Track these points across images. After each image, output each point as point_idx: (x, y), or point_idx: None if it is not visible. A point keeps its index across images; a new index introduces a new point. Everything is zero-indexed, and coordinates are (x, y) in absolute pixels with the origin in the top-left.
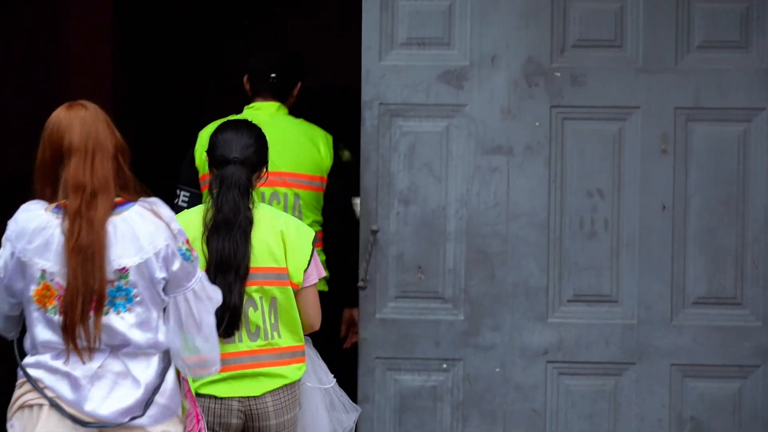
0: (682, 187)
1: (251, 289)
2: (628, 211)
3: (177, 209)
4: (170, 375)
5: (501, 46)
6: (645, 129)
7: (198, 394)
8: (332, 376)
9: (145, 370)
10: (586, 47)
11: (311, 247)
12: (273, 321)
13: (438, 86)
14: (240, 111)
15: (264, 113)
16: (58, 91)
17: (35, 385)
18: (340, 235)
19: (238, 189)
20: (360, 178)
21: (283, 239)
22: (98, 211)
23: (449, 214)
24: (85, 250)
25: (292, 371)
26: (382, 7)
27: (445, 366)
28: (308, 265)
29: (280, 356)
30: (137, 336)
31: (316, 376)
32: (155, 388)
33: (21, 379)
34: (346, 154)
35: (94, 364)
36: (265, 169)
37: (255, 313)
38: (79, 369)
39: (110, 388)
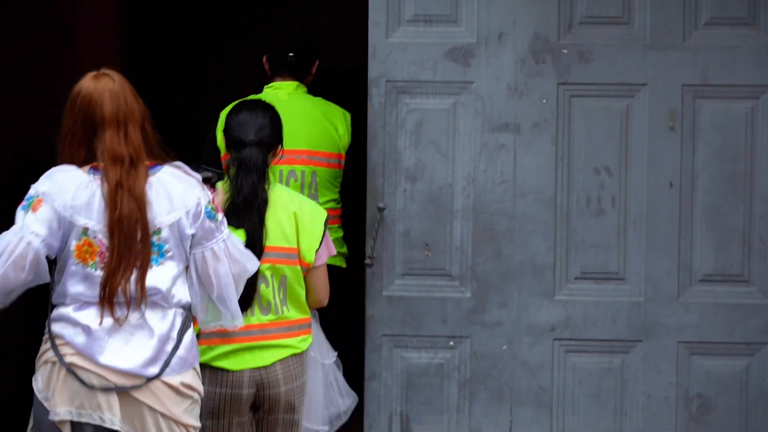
0: (689, 165)
1: (264, 266)
2: (635, 189)
3: None
4: (188, 328)
5: (508, 23)
6: (652, 106)
7: (210, 367)
8: (335, 354)
9: (161, 321)
10: (593, 24)
11: (323, 228)
12: (282, 296)
13: (445, 63)
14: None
15: (283, 92)
16: (62, 90)
17: (54, 346)
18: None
19: (255, 172)
20: (367, 155)
21: (296, 220)
22: (138, 180)
23: (456, 192)
24: (128, 218)
25: (299, 342)
26: None
27: (451, 343)
28: (320, 245)
29: (288, 329)
30: (165, 287)
31: (318, 350)
32: (168, 339)
33: (46, 335)
34: None
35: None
36: (280, 147)
37: (266, 290)
38: (95, 323)
39: (126, 340)
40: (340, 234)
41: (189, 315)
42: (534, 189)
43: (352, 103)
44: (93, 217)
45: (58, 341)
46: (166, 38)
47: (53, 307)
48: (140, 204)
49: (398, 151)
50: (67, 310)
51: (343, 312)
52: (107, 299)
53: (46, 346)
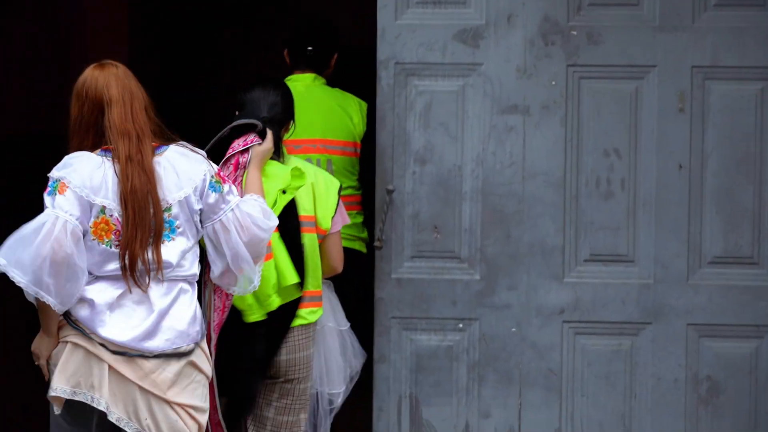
0: (698, 147)
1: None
2: (645, 171)
3: None
4: (190, 302)
5: (517, 5)
6: (662, 88)
7: None
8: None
9: (163, 297)
10: (602, 6)
11: (337, 196)
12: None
13: (454, 45)
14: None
15: (300, 84)
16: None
17: (69, 320)
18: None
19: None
20: (376, 137)
21: (313, 190)
22: (146, 155)
23: (465, 174)
24: (140, 190)
25: (307, 313)
26: None
27: (461, 326)
28: (335, 212)
29: (300, 300)
30: (175, 261)
31: (334, 318)
32: (167, 314)
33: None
34: None
35: (117, 292)
36: (291, 123)
37: None
38: (100, 296)
39: (128, 315)
40: (360, 219)
41: (194, 289)
42: (543, 171)
43: (361, 85)
44: (109, 196)
45: (69, 317)
46: (165, 38)
47: None
48: (150, 176)
49: (407, 134)
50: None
51: (363, 297)
52: (129, 269)
53: (62, 331)
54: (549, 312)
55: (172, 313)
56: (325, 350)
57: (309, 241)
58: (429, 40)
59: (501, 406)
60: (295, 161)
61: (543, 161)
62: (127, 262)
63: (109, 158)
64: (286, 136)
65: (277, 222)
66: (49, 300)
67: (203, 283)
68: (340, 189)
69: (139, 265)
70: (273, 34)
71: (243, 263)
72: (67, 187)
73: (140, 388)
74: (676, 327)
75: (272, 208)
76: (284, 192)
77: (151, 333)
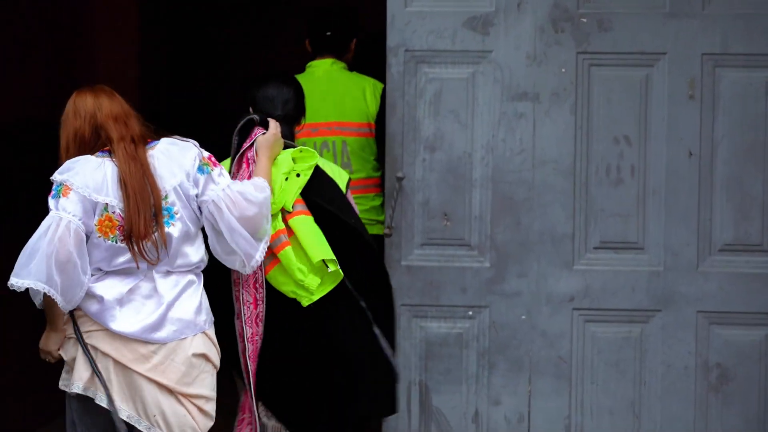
0: (708, 134)
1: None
2: (655, 158)
3: None
4: (195, 292)
5: None
6: (672, 75)
7: None
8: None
9: (172, 289)
10: None
11: (344, 188)
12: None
13: (464, 32)
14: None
15: (319, 69)
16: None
17: (74, 324)
18: None
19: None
20: (386, 124)
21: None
22: (142, 152)
23: (475, 161)
24: (140, 179)
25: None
26: None
27: (470, 313)
28: None
29: None
30: (175, 245)
31: None
32: (174, 305)
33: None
34: None
35: (126, 287)
36: (303, 118)
37: None
38: (110, 292)
39: (137, 310)
40: (379, 202)
41: (200, 280)
42: (553, 158)
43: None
44: (110, 194)
45: (77, 313)
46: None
47: None
48: (145, 166)
49: (417, 121)
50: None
51: (385, 282)
52: (140, 252)
53: (68, 325)
54: (559, 299)
55: (178, 305)
56: None
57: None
58: (439, 28)
59: (511, 393)
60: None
61: (553, 148)
62: (132, 237)
63: (108, 158)
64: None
65: (268, 193)
66: (58, 298)
67: (232, 282)
68: (349, 182)
69: (146, 245)
70: (281, 26)
71: (239, 238)
72: (70, 189)
73: (148, 380)
74: (686, 314)
75: (280, 192)
76: (298, 175)
77: (158, 325)
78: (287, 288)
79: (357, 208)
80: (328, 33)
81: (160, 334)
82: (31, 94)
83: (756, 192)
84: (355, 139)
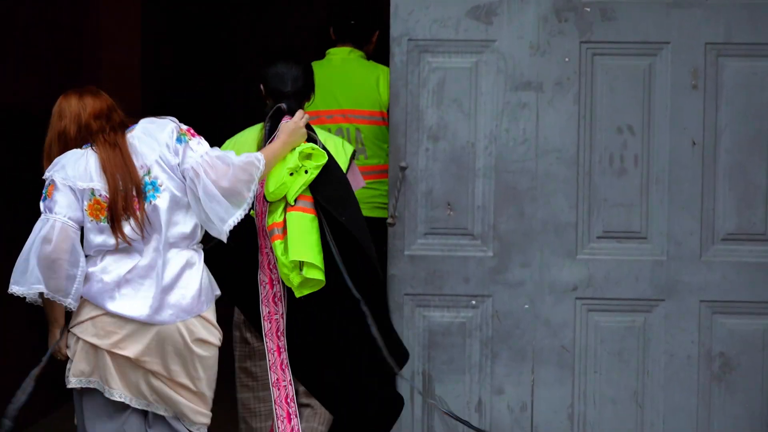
0: (712, 123)
1: None
2: (658, 147)
3: None
4: (196, 275)
5: None
6: (675, 65)
7: None
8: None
9: (171, 268)
10: None
11: (347, 160)
12: None
13: (467, 22)
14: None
15: (337, 57)
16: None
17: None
18: None
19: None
20: (389, 113)
21: None
22: (121, 138)
23: (478, 151)
24: (119, 161)
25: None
26: None
27: (474, 302)
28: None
29: None
30: (164, 216)
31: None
32: (174, 287)
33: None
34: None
35: (125, 268)
36: (312, 95)
37: None
38: (108, 275)
39: (136, 290)
40: None
41: (200, 259)
42: (556, 148)
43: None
44: (94, 180)
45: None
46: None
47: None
48: (125, 150)
49: (420, 110)
50: (87, 266)
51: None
52: (120, 232)
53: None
54: (562, 289)
55: (177, 290)
56: None
57: None
58: (442, 17)
59: (514, 382)
60: (314, 130)
61: (556, 138)
62: (114, 220)
63: (91, 148)
64: (306, 106)
65: (256, 164)
66: (57, 298)
67: (259, 264)
68: (354, 154)
69: (126, 224)
70: (283, 26)
71: (213, 202)
72: (54, 185)
73: (143, 369)
74: (689, 304)
75: (278, 186)
76: (306, 172)
77: (157, 309)
78: (282, 275)
79: (363, 182)
80: (352, 21)
81: (159, 317)
82: (31, 94)
83: (759, 181)
84: (368, 126)
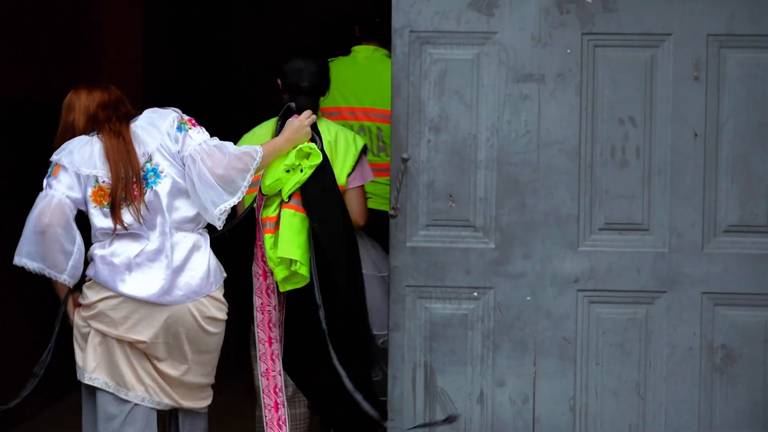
0: (714, 115)
1: None
2: (660, 139)
3: None
4: (203, 257)
5: None
6: (677, 56)
7: None
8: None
9: (179, 251)
10: None
11: (356, 155)
12: None
13: (468, 13)
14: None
15: (361, 56)
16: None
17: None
18: None
19: None
20: (391, 105)
21: (332, 148)
22: (125, 128)
23: (480, 142)
24: (122, 150)
25: None
26: None
27: (475, 294)
28: (352, 170)
29: None
30: (166, 201)
31: (373, 265)
32: (183, 269)
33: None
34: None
35: (133, 252)
36: (327, 91)
37: None
38: (117, 258)
39: (145, 273)
40: None
41: (206, 243)
42: (558, 140)
43: None
44: (97, 167)
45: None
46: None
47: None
48: (128, 140)
49: (422, 102)
50: (96, 250)
51: None
52: (119, 220)
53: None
54: (564, 281)
55: (186, 272)
56: (368, 298)
57: None
58: (444, 9)
59: (515, 374)
60: (323, 123)
61: (558, 130)
62: (114, 207)
63: (97, 137)
64: (321, 101)
65: (253, 155)
66: (49, 272)
67: (254, 256)
68: (365, 148)
69: (125, 211)
70: (285, 28)
71: (207, 188)
72: (60, 167)
73: (152, 361)
74: (690, 296)
75: (274, 180)
76: (301, 171)
77: (168, 290)
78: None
79: (372, 176)
80: (377, 19)
81: (169, 298)
82: (31, 91)
83: (762, 172)
84: (389, 125)
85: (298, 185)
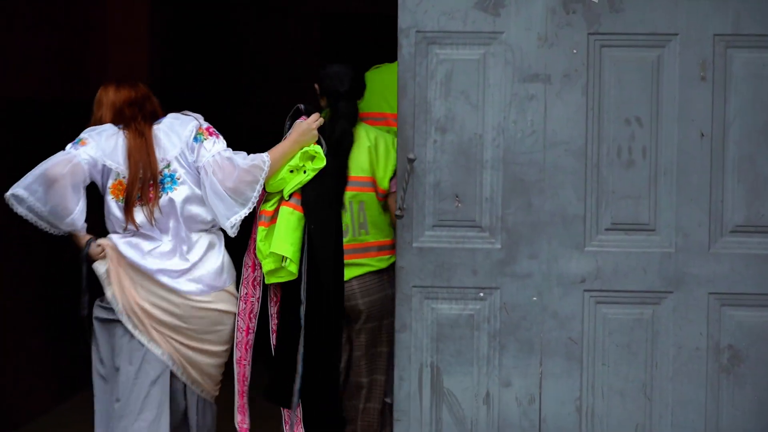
0: (720, 115)
1: (346, 194)
2: (666, 139)
3: None
4: (218, 254)
5: None
6: (683, 56)
7: None
8: None
9: (195, 250)
10: None
11: (390, 170)
12: (362, 220)
13: (475, 14)
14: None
15: (396, 64)
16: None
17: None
18: None
19: (347, 118)
20: (397, 105)
21: (372, 153)
22: (148, 129)
23: (486, 143)
24: (143, 151)
25: (377, 261)
26: None
27: (482, 294)
28: (393, 174)
29: (365, 250)
30: (180, 206)
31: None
32: (197, 266)
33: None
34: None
35: (148, 248)
36: (363, 95)
37: (345, 215)
38: (139, 247)
39: (162, 262)
40: None
41: (221, 242)
42: (564, 140)
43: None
44: (120, 162)
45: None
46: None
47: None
48: (149, 141)
49: (428, 102)
50: (113, 236)
51: None
52: (131, 219)
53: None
54: (570, 281)
55: (201, 266)
56: None
57: (368, 198)
58: (450, 9)
59: (522, 375)
60: (361, 128)
61: (564, 130)
62: (127, 207)
63: (121, 129)
64: (364, 108)
65: (261, 166)
66: (36, 204)
67: (247, 247)
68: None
69: (138, 212)
70: (286, 30)
71: (217, 200)
72: (87, 144)
73: (177, 342)
74: (697, 296)
75: (278, 179)
76: (305, 172)
77: (184, 273)
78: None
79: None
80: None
81: (186, 287)
82: (29, 96)
83: None
84: None
85: (299, 185)
